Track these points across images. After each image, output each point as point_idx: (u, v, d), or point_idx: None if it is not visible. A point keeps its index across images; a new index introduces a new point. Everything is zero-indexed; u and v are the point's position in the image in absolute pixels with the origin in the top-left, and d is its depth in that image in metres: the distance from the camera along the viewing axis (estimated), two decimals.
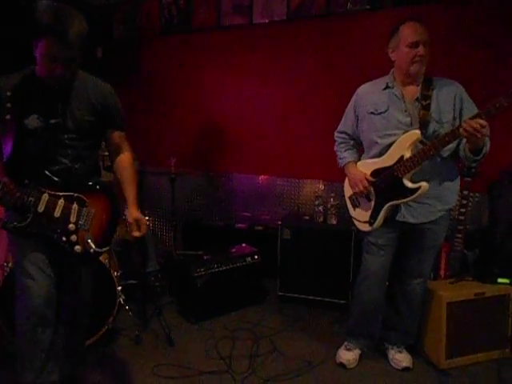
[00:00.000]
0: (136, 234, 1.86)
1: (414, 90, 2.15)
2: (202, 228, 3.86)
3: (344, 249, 3.01)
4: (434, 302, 2.42)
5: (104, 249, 1.86)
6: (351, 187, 2.32)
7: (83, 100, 1.78)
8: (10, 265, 2.40)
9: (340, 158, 2.42)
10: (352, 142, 2.41)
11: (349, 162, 2.35)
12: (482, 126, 1.84)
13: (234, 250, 3.22)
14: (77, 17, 1.60)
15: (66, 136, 1.76)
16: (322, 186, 3.46)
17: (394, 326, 2.45)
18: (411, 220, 2.18)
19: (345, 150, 2.40)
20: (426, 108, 2.09)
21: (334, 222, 3.14)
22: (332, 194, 3.20)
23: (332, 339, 2.67)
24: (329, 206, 3.18)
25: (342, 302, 3.05)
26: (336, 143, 2.46)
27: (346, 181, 2.42)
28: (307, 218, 3.34)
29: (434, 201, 2.16)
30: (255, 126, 3.79)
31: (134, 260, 3.28)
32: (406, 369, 2.37)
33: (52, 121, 1.72)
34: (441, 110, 2.09)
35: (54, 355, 1.92)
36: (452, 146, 2.06)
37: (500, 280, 2.49)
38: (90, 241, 1.80)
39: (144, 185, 2.79)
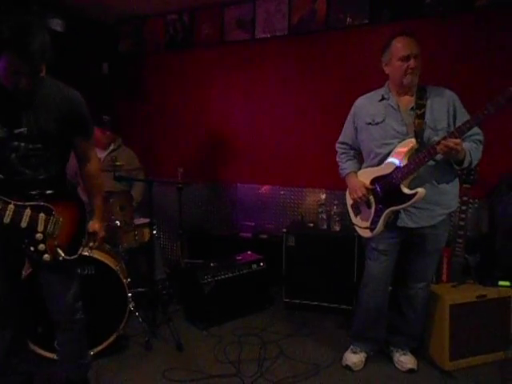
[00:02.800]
0: (90, 243, 1.91)
1: (408, 100, 2.25)
2: (207, 237, 3.93)
3: (347, 255, 3.08)
4: (437, 304, 2.48)
5: (73, 256, 1.86)
6: (350, 195, 2.42)
7: (49, 108, 1.73)
8: (23, 274, 2.45)
9: (341, 169, 2.52)
10: (352, 152, 2.50)
11: (349, 173, 2.45)
12: (456, 144, 1.98)
13: (239, 257, 3.28)
14: (37, 28, 1.56)
15: (30, 146, 1.72)
16: (324, 195, 3.53)
17: (399, 329, 2.50)
18: (412, 225, 2.25)
19: (346, 161, 2.49)
20: (421, 117, 2.18)
21: (338, 229, 3.21)
22: (335, 202, 3.28)
23: (338, 343, 2.72)
24: (332, 213, 3.25)
25: (346, 307, 3.10)
26: (338, 154, 2.56)
27: (348, 189, 2.50)
28: (311, 225, 3.42)
29: (433, 205, 2.22)
30: (258, 137, 3.89)
31: (142, 268, 3.34)
32: (410, 371, 2.42)
33: (16, 130, 1.69)
34: (435, 117, 2.18)
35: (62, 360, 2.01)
36: None
37: (501, 283, 2.55)
38: (58, 249, 1.81)
39: (152, 194, 2.85)
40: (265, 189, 3.94)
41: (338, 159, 2.56)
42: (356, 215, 2.44)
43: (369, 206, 2.34)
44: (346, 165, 2.49)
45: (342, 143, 2.53)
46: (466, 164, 2.10)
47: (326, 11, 3.48)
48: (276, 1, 3.67)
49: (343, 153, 2.52)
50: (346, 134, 2.51)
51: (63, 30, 3.96)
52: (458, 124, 2.09)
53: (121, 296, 2.56)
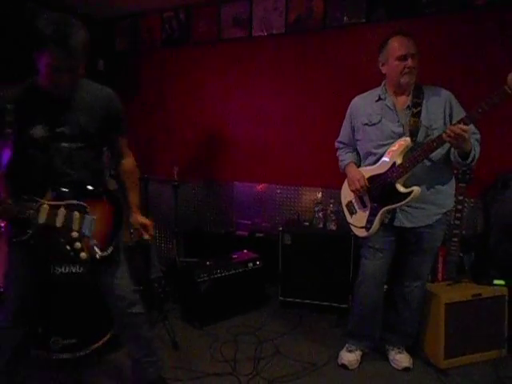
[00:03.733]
0: (146, 236, 1.91)
1: (405, 100, 2.25)
2: (203, 236, 3.93)
3: (343, 253, 3.08)
4: (433, 303, 2.49)
5: (107, 252, 1.85)
6: (349, 185, 2.39)
7: (87, 107, 1.77)
8: None
9: (341, 161, 2.52)
10: (351, 148, 2.51)
11: (349, 163, 2.44)
12: (464, 131, 1.93)
13: (235, 256, 3.28)
14: (77, 25, 1.60)
15: (71, 144, 1.76)
16: (320, 194, 3.54)
17: (394, 327, 2.51)
18: (408, 224, 2.26)
19: (346, 153, 2.50)
20: (417, 115, 2.18)
21: (334, 228, 3.22)
22: (331, 201, 3.28)
23: (333, 341, 2.73)
24: (328, 212, 3.26)
25: (342, 305, 3.11)
26: (337, 149, 2.57)
27: (343, 188, 2.51)
28: (307, 223, 3.42)
29: (429, 205, 2.23)
30: (255, 135, 3.88)
31: (137, 266, 3.32)
32: (406, 369, 2.43)
33: (57, 130, 1.72)
34: (431, 116, 2.18)
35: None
36: (442, 150, 2.15)
37: (496, 282, 2.57)
38: (95, 247, 1.81)
39: (148, 193, 2.84)
40: (261, 187, 3.93)
41: (337, 153, 2.57)
42: (351, 215, 2.45)
43: (364, 206, 2.35)
44: (345, 156, 2.49)
45: (340, 142, 2.55)
46: (470, 158, 2.08)
47: (323, 10, 3.48)
48: None
49: (342, 148, 2.54)
50: (343, 134, 2.52)
51: None
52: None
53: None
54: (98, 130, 1.82)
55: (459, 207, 2.62)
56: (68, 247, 1.77)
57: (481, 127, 2.19)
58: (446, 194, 2.28)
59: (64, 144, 1.75)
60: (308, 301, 3.20)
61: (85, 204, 1.80)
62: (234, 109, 3.94)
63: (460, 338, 2.47)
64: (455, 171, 2.36)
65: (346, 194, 2.47)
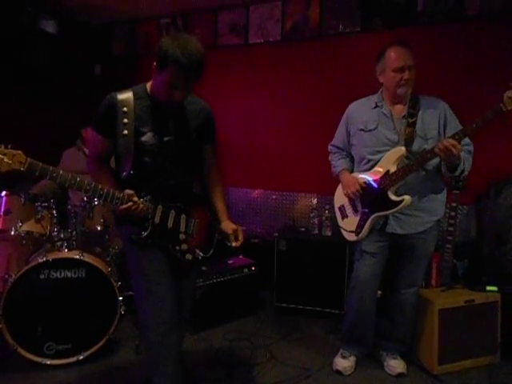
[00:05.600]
0: (235, 244, 1.88)
1: (401, 109, 2.28)
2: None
3: (338, 259, 3.10)
4: (427, 309, 2.51)
5: (209, 254, 1.93)
6: (344, 190, 2.41)
7: (191, 118, 1.87)
8: (13, 277, 2.44)
9: (334, 167, 2.53)
10: (344, 153, 2.53)
11: (342, 169, 2.46)
12: (453, 146, 1.97)
13: (231, 261, 3.28)
14: (197, 46, 1.66)
15: (176, 152, 1.83)
16: (316, 200, 3.56)
17: (388, 334, 2.52)
18: (400, 231, 2.28)
19: (338, 159, 2.52)
20: (412, 125, 2.21)
21: (329, 234, 3.24)
22: (326, 207, 3.30)
23: (328, 347, 2.74)
24: (323, 218, 3.28)
25: (337, 311, 3.12)
26: (330, 154, 2.59)
27: (337, 191, 2.53)
28: (303, 229, 3.44)
29: (421, 212, 2.26)
30: (250, 141, 3.91)
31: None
32: (400, 375, 2.44)
33: (165, 138, 1.80)
34: (426, 126, 2.21)
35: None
36: (435, 161, 2.18)
37: (488, 288, 2.59)
38: (197, 249, 1.89)
39: None
40: (257, 193, 3.95)
41: (330, 158, 2.58)
42: (343, 218, 2.47)
43: (356, 210, 2.37)
44: (338, 162, 2.51)
45: (334, 146, 2.57)
46: (458, 171, 2.12)
47: (318, 18, 3.53)
48: (269, 6, 3.71)
49: (335, 152, 2.55)
50: (338, 138, 2.54)
51: (56, 31, 3.96)
52: (448, 133, 2.13)
53: (111, 300, 2.55)
54: (196, 139, 1.90)
55: (452, 214, 2.64)
56: (177, 247, 1.85)
57: (474, 135, 2.22)
58: (438, 202, 2.31)
59: (171, 151, 1.82)
60: (303, 307, 3.21)
61: (190, 208, 1.89)
62: (230, 115, 3.96)
63: (454, 344, 2.49)
64: (449, 178, 2.39)
65: (339, 198, 2.49)
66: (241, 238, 1.90)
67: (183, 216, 1.87)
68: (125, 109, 1.72)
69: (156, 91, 1.75)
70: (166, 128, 1.80)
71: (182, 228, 1.86)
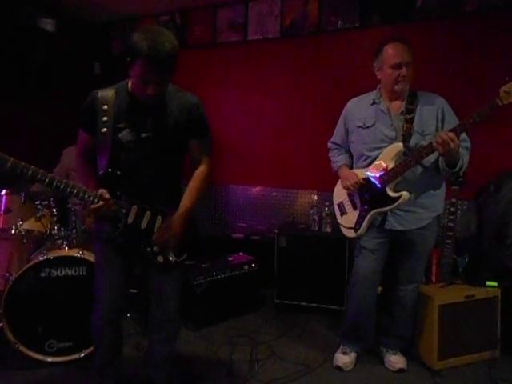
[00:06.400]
0: (153, 238, 1.82)
1: (399, 105, 2.27)
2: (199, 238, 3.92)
3: (339, 256, 3.10)
4: (427, 305, 2.51)
5: (182, 258, 1.89)
6: (342, 183, 2.41)
7: (171, 114, 1.80)
8: (14, 275, 2.45)
9: (334, 162, 2.54)
10: (344, 150, 2.53)
11: (342, 165, 2.47)
12: (451, 139, 1.95)
13: (231, 258, 3.29)
14: (167, 39, 1.61)
15: (154, 150, 1.79)
16: (316, 196, 3.55)
17: (389, 330, 2.52)
18: (399, 227, 2.28)
19: (338, 155, 2.52)
20: (410, 121, 2.20)
21: (329, 230, 3.24)
22: (326, 203, 3.29)
23: (329, 344, 2.74)
24: (323, 214, 3.28)
25: (337, 307, 3.13)
26: (329, 150, 2.59)
27: (336, 188, 2.54)
28: (303, 226, 3.44)
29: (419, 209, 2.26)
30: (250, 138, 3.91)
31: (133, 269, 3.32)
32: (400, 370, 2.45)
33: (143, 135, 1.76)
34: (423, 122, 2.20)
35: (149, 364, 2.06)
36: (433, 157, 2.17)
37: (488, 283, 2.59)
38: (170, 251, 1.85)
39: None
40: (257, 190, 3.95)
41: (329, 154, 2.59)
42: (341, 215, 2.47)
43: (355, 207, 2.37)
44: (338, 158, 2.51)
45: (333, 143, 2.57)
46: (458, 167, 2.11)
47: (317, 14, 3.52)
48: (268, 3, 3.70)
49: (335, 149, 2.56)
50: (337, 135, 2.54)
51: (54, 29, 3.96)
52: (446, 129, 2.11)
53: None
54: (180, 135, 1.84)
55: (452, 209, 2.65)
56: (148, 249, 1.83)
57: (474, 131, 2.21)
58: (437, 198, 2.30)
59: (148, 149, 1.78)
60: (303, 303, 3.22)
61: (166, 209, 1.84)
62: (229, 112, 3.96)
63: (454, 340, 2.49)
64: (447, 175, 2.38)
65: (339, 194, 2.49)
66: (160, 238, 1.81)
67: (159, 217, 1.83)
68: (105, 107, 1.72)
69: (133, 87, 1.73)
70: (143, 125, 1.76)
71: (156, 230, 1.82)
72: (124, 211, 1.77)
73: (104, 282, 1.93)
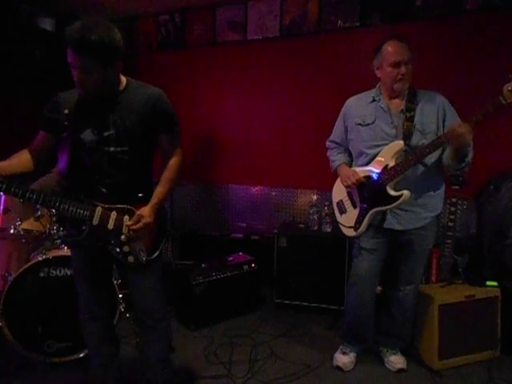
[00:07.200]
0: (127, 225, 1.79)
1: (399, 103, 2.27)
2: (199, 238, 3.93)
3: (338, 256, 3.09)
4: (427, 304, 2.50)
5: (153, 256, 1.87)
6: (342, 182, 2.39)
7: (133, 110, 1.75)
8: (13, 275, 2.45)
9: (332, 161, 2.52)
10: (343, 148, 2.52)
11: (341, 164, 2.45)
12: (459, 126, 1.95)
13: (231, 258, 3.28)
14: (100, 29, 1.56)
15: (119, 149, 1.75)
16: (315, 196, 3.55)
17: (388, 330, 2.52)
18: (398, 227, 2.27)
19: (337, 154, 2.51)
20: (410, 119, 2.19)
21: (329, 230, 3.23)
22: (326, 203, 3.29)
23: (328, 344, 2.74)
24: (323, 214, 3.27)
25: (337, 307, 3.12)
26: (328, 149, 2.58)
27: (335, 187, 2.53)
28: (302, 226, 3.43)
29: (419, 208, 2.25)
30: (250, 138, 3.90)
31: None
32: (400, 370, 2.44)
33: (105, 133, 1.73)
34: (424, 121, 2.20)
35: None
36: (436, 155, 2.17)
37: (489, 283, 2.59)
38: (141, 251, 1.83)
39: None
40: (256, 190, 3.95)
41: (328, 153, 2.57)
42: (341, 214, 2.46)
43: (354, 206, 2.36)
44: (337, 157, 2.50)
45: (332, 141, 2.55)
46: (469, 158, 2.09)
47: (317, 13, 3.51)
48: (268, 2, 3.69)
49: (334, 148, 2.54)
50: (336, 133, 2.52)
51: (54, 29, 3.95)
52: (447, 128, 2.11)
53: (111, 297, 2.54)
54: (144, 132, 1.79)
55: (452, 209, 2.64)
56: (117, 249, 1.81)
57: (475, 130, 2.21)
58: (437, 198, 2.30)
59: (111, 148, 1.75)
60: (303, 303, 3.22)
61: (134, 209, 1.81)
62: (229, 111, 3.96)
63: (454, 339, 2.49)
64: (448, 173, 2.38)
65: (338, 193, 2.49)
66: (140, 223, 1.77)
67: (126, 217, 1.80)
68: (66, 111, 1.70)
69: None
70: (105, 123, 1.73)
71: (124, 230, 1.79)
72: (88, 213, 1.74)
73: (81, 291, 1.99)
